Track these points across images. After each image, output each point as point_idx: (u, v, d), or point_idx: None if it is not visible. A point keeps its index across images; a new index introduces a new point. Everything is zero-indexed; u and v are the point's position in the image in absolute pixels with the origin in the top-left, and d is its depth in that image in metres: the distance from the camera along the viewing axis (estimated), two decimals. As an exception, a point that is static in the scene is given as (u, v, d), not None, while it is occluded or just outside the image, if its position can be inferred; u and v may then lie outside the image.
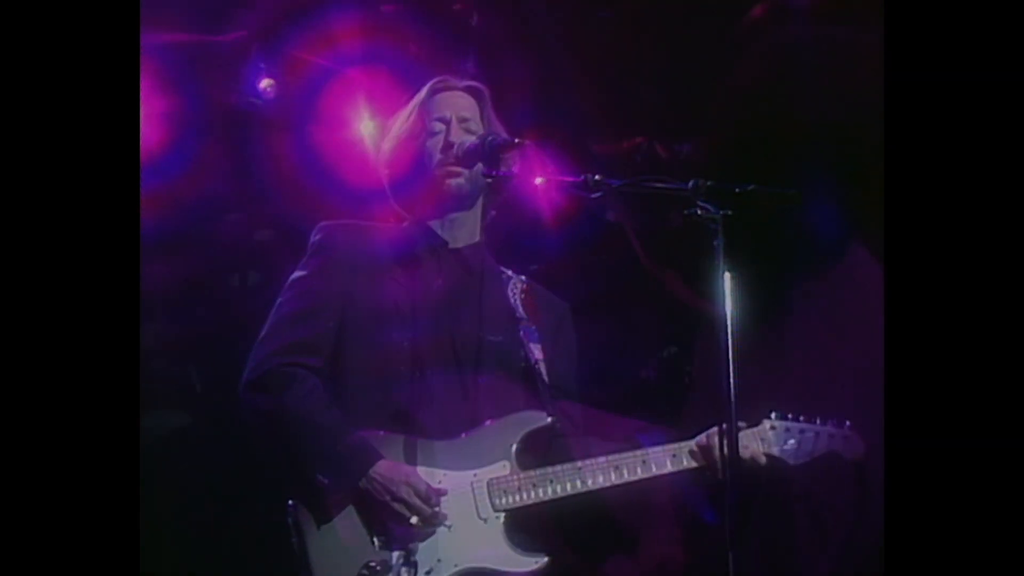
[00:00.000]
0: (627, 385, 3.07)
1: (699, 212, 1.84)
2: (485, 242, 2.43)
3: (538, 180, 2.44)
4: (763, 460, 2.15)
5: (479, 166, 2.24)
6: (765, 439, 2.20)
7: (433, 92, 2.39)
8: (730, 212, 1.81)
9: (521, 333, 2.31)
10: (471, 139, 2.23)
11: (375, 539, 2.07)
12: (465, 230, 2.38)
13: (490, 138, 2.17)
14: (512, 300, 2.38)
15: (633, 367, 3.17)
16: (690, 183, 1.87)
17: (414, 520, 2.05)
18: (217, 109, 3.51)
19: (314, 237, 2.33)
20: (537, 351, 2.30)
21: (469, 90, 2.43)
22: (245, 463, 2.93)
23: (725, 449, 1.75)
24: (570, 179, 2.12)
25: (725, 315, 1.76)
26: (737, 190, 1.86)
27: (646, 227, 3.38)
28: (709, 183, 1.86)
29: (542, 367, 2.29)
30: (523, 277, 2.46)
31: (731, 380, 1.73)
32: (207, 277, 3.71)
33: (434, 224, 2.35)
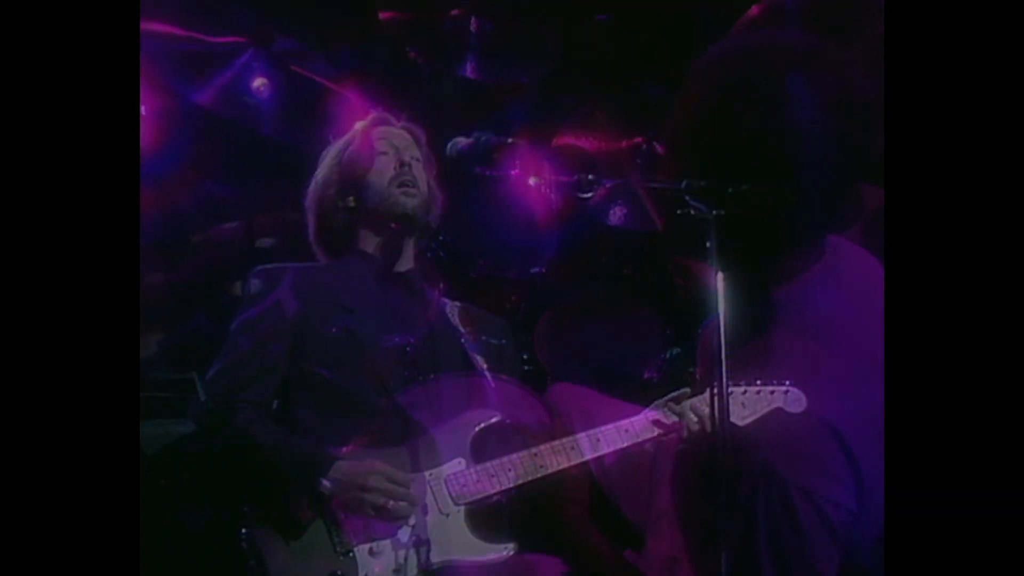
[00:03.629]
0: (629, 386, 3.05)
1: (692, 212, 1.83)
2: (419, 269, 2.55)
3: (532, 180, 2.44)
4: (708, 425, 2.10)
5: (431, 190, 2.41)
6: (707, 403, 2.15)
7: (375, 123, 2.54)
8: (723, 212, 1.80)
9: (464, 346, 2.40)
10: (464, 140, 2.22)
11: (337, 546, 2.07)
12: (403, 257, 2.49)
13: (483, 137, 2.18)
14: (452, 319, 2.47)
15: (636, 369, 3.15)
16: (683, 183, 1.86)
17: (391, 504, 2.06)
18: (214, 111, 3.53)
19: (252, 281, 2.41)
20: (480, 360, 2.38)
21: (407, 129, 2.56)
22: (245, 470, 2.92)
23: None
24: (564, 179, 2.12)
25: (719, 316, 1.75)
26: (730, 190, 1.85)
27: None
28: (702, 183, 1.85)
29: (487, 374, 2.37)
30: (457, 303, 2.56)
31: (724, 381, 1.73)
32: (207, 283, 3.72)
33: (373, 250, 2.46)
